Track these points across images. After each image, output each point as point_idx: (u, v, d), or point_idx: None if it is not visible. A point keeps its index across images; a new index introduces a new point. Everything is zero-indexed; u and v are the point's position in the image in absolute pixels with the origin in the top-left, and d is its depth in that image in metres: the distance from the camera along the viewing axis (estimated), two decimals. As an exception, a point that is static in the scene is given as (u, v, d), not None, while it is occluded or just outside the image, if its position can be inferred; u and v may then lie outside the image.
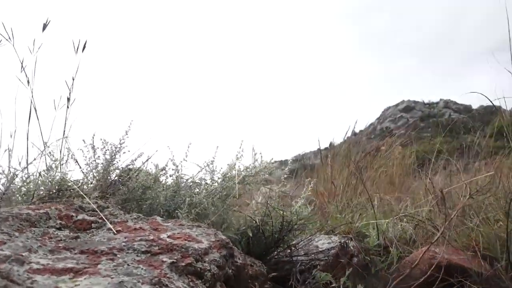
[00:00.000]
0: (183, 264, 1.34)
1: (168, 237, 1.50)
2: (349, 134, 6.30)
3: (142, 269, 1.22)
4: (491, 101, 2.80)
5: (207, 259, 1.47)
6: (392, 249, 2.32)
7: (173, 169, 2.04)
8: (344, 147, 5.56)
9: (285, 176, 2.25)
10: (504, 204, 2.36)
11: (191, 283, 1.31)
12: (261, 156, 2.04)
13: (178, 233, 1.56)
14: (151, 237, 1.44)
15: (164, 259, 1.32)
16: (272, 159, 2.04)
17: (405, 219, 2.61)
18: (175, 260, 1.33)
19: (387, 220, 2.51)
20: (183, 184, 2.08)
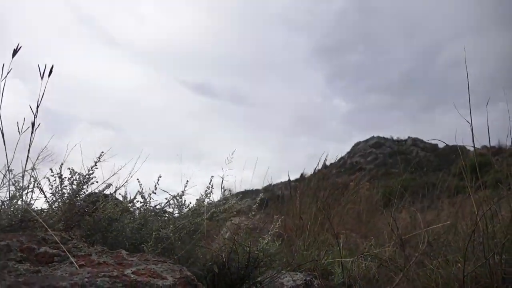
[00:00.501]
0: (146, 302, 1.33)
1: (133, 273, 1.49)
2: (319, 167, 6.40)
3: (103, 307, 1.21)
4: (446, 143, 2.94)
5: (171, 297, 1.46)
6: (355, 288, 2.36)
7: (141, 202, 2.03)
8: (314, 181, 5.63)
9: (255, 208, 2.28)
10: (462, 246, 2.45)
11: (153, 322, 1.30)
12: (230, 193, 2.06)
13: (143, 269, 1.55)
14: (115, 273, 1.42)
15: (127, 297, 1.30)
16: (240, 197, 2.08)
17: (369, 258, 2.66)
18: (138, 298, 1.32)
19: (351, 259, 2.55)
20: (150, 218, 2.07)
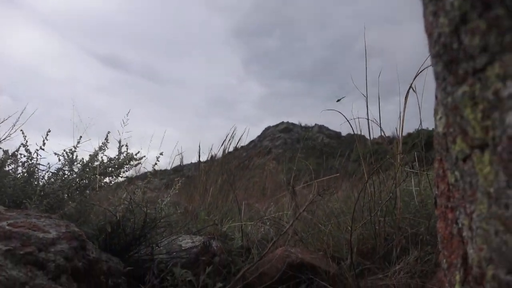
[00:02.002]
0: (22, 252, 1.22)
1: (8, 225, 1.35)
2: (230, 149, 6.42)
3: (-33, 255, 1.08)
4: (352, 128, 3.11)
5: (53, 250, 1.35)
6: (253, 250, 2.42)
7: (25, 156, 1.84)
8: (221, 159, 5.65)
9: (152, 171, 2.21)
10: (352, 211, 2.64)
11: (29, 273, 1.19)
12: (127, 149, 1.96)
13: (21, 222, 1.41)
14: (-14, 223, 1.28)
15: (-1, 246, 1.18)
16: (139, 152, 1.99)
17: (268, 223, 2.75)
18: (11, 248, 1.20)
19: (251, 223, 2.61)
20: (36, 175, 1.90)
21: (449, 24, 0.56)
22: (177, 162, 6.05)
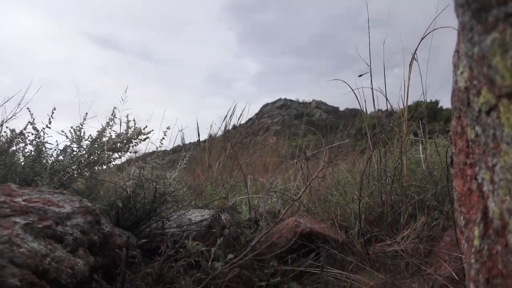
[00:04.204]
0: (40, 226, 1.23)
1: (24, 200, 1.36)
2: (228, 127, 6.40)
3: (-12, 229, 1.08)
4: (357, 98, 3.08)
5: (69, 224, 1.37)
6: (261, 222, 2.44)
7: (33, 134, 1.83)
8: (222, 136, 5.65)
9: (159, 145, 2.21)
10: (359, 181, 2.66)
11: (49, 245, 1.20)
12: (135, 124, 1.95)
13: (35, 198, 1.42)
14: (2, 199, 1.29)
15: (17, 221, 1.19)
16: (146, 126, 1.97)
17: (275, 195, 2.77)
18: (30, 222, 1.21)
19: (258, 196, 2.62)
20: (45, 153, 1.89)
21: (481, -32, 0.55)
22: (178, 141, 6.05)
